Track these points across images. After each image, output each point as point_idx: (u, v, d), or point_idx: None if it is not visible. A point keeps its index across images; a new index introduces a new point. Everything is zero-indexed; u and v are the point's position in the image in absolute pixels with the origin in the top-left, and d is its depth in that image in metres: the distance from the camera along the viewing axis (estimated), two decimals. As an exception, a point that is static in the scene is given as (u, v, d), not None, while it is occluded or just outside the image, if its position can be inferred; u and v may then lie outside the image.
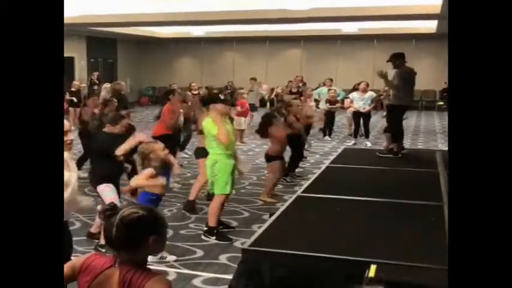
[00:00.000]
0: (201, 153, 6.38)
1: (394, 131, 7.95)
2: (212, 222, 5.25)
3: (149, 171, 4.36)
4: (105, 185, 4.81)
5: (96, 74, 17.74)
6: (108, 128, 5.16)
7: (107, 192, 4.79)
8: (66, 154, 3.18)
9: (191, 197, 6.29)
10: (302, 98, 11.41)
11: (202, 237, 5.27)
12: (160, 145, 4.60)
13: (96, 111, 7.63)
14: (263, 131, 7.07)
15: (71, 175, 3.15)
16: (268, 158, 6.92)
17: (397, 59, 7.72)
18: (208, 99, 5.71)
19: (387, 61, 7.84)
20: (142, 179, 4.33)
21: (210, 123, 5.21)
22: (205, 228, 5.32)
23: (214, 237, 5.19)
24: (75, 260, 1.94)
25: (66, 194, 3.09)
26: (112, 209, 1.86)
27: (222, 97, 5.74)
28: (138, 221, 1.82)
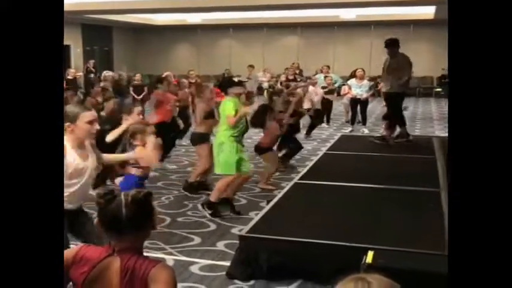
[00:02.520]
0: (198, 139, 6.49)
1: (391, 118, 8.06)
2: (213, 198, 5.50)
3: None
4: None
5: (92, 62, 17.60)
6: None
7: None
8: (87, 143, 3.27)
9: (191, 179, 6.51)
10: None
11: (199, 205, 5.68)
12: (152, 129, 4.79)
13: (99, 99, 7.77)
14: (259, 121, 7.02)
15: (88, 164, 3.21)
16: (260, 150, 6.88)
17: (391, 47, 7.76)
18: (225, 84, 5.85)
19: (385, 47, 7.88)
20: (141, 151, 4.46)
21: (227, 104, 5.41)
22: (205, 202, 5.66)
23: (210, 211, 5.44)
24: (65, 253, 1.90)
25: (82, 181, 3.17)
26: (111, 193, 1.87)
27: (236, 80, 6.03)
28: (146, 198, 1.88)
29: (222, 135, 5.47)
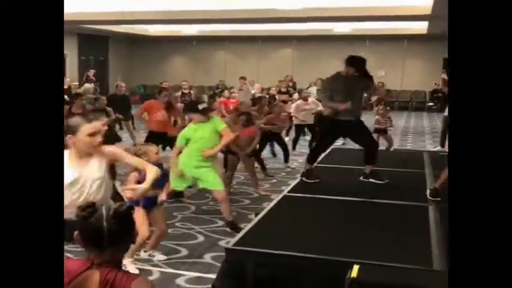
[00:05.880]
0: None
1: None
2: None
3: (132, 176, 4.22)
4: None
5: (92, 71, 17.52)
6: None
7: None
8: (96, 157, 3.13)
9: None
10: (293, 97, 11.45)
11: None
12: (154, 148, 4.53)
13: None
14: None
15: (86, 174, 3.12)
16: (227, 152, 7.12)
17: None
18: (190, 108, 5.89)
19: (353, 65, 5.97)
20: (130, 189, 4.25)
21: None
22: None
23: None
24: None
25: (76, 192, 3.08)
26: (93, 205, 1.85)
27: (200, 107, 5.75)
28: (128, 212, 1.87)
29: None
